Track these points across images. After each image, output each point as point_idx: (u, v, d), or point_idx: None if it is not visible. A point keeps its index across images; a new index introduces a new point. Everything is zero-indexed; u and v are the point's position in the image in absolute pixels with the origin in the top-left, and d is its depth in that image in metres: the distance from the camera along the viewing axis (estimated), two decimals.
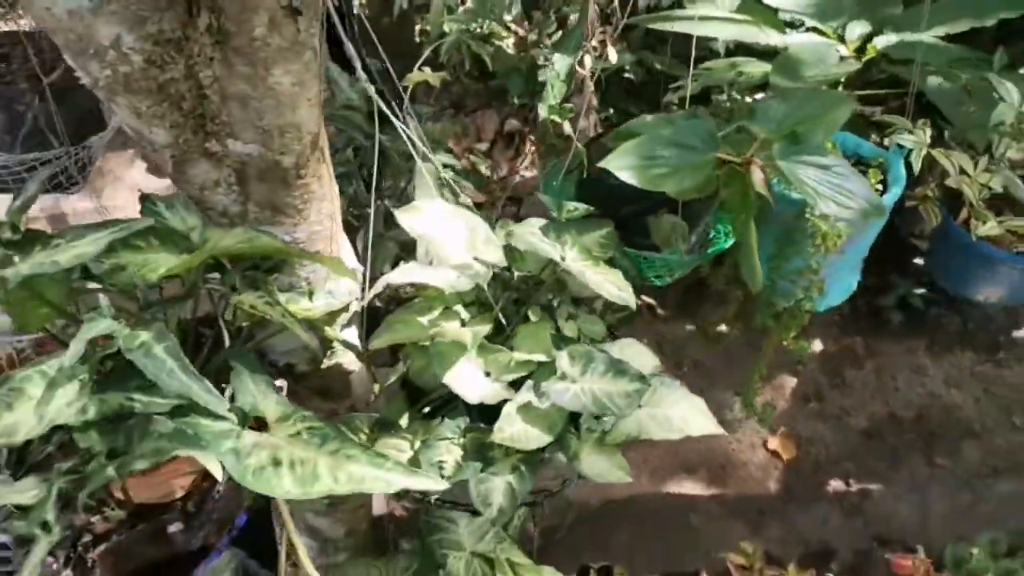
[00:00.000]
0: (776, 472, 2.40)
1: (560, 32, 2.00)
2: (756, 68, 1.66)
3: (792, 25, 1.84)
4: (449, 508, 1.11)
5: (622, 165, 1.09)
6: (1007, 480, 2.34)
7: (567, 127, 1.35)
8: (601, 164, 1.12)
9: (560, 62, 1.40)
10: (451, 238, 0.97)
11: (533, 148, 2.54)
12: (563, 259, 1.05)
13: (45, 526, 0.78)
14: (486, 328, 0.97)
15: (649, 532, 2.34)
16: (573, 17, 1.90)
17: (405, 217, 0.98)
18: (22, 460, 0.85)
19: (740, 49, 1.88)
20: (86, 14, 0.73)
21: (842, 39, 1.75)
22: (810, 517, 2.29)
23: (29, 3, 0.74)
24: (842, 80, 1.65)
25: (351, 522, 1.35)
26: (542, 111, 1.36)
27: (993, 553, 2.02)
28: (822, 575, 2.00)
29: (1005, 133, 1.43)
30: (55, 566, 0.91)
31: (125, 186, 2.35)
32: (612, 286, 1.06)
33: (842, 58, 1.67)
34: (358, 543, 1.37)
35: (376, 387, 1.11)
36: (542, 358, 0.96)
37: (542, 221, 1.13)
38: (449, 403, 1.07)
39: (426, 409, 1.11)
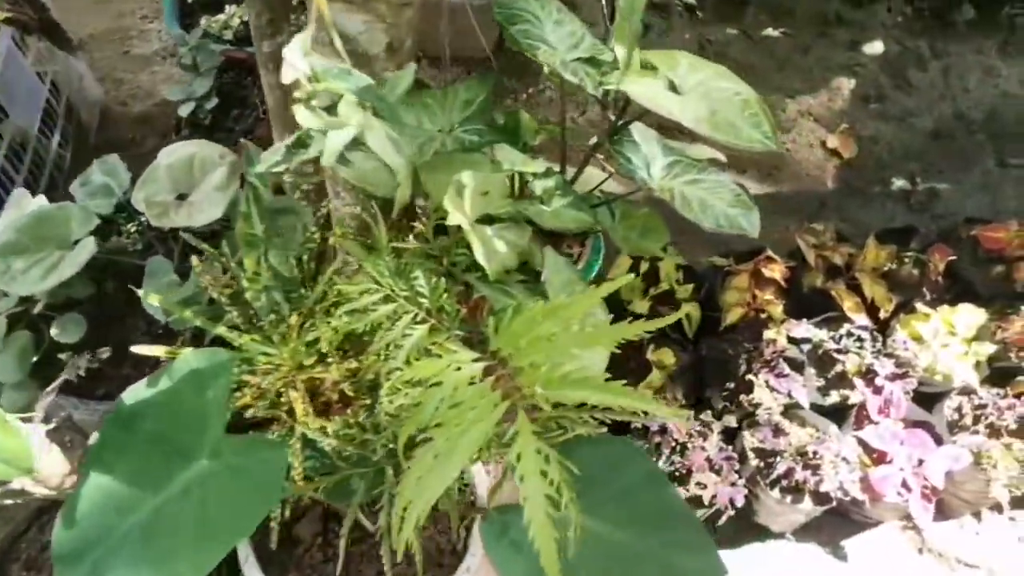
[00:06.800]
0: (834, 170, 2.11)
1: None
2: None
3: None
4: None
5: None
6: None
7: None
8: None
9: None
10: None
11: None
12: None
13: None
14: None
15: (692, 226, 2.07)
16: None
17: None
18: None
19: None
20: None
21: None
22: (873, 210, 2.03)
23: None
24: None
25: (394, 31, 0.96)
26: None
27: None
28: (902, 253, 1.74)
29: None
30: None
31: None
32: None
33: None
34: (401, 64, 1.00)
35: None
36: None
37: None
38: None
39: None
